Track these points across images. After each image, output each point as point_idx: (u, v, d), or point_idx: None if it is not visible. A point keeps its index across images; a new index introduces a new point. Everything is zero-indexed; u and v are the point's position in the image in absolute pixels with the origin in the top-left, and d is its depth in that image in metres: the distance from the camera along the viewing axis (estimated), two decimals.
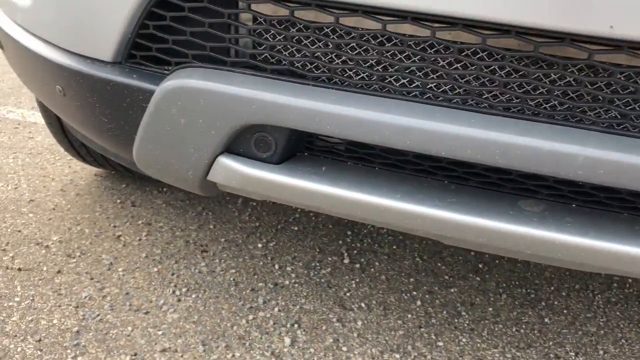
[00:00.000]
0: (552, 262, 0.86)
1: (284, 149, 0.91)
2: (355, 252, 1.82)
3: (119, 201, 1.98)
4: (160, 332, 1.42)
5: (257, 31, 0.89)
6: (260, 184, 0.91)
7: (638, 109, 0.77)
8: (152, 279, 1.61)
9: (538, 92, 0.81)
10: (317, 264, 1.75)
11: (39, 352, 1.32)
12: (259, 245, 1.82)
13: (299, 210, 2.04)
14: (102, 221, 1.86)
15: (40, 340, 1.36)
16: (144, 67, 0.95)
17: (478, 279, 1.75)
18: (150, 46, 0.94)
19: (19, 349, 1.33)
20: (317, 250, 1.82)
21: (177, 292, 1.56)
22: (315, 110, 0.80)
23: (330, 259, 1.78)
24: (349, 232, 1.93)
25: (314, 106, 0.80)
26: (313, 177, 0.89)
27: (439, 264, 1.81)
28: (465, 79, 0.82)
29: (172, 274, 1.63)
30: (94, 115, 1.02)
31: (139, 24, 0.90)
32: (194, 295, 1.56)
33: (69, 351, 1.33)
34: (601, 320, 1.61)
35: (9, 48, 1.19)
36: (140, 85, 0.93)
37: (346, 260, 1.77)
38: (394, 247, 1.88)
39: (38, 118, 2.64)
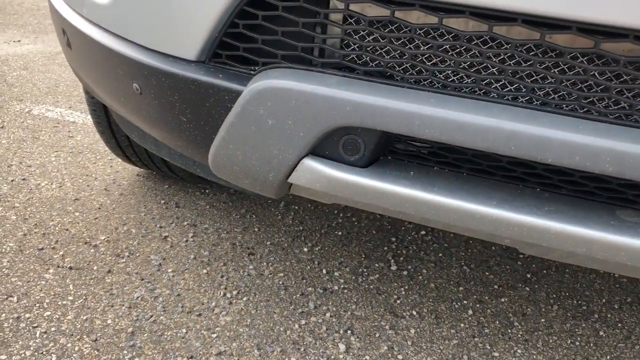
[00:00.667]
0: None
1: (372, 153, 0.89)
2: (401, 258, 1.80)
3: (162, 202, 1.98)
4: (214, 335, 1.40)
5: (352, 31, 0.87)
6: (347, 188, 0.89)
7: None
8: (202, 281, 1.59)
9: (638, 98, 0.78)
10: (365, 270, 1.73)
11: (96, 352, 1.31)
12: (305, 249, 1.80)
13: (341, 214, 2.03)
14: (148, 222, 1.85)
15: (96, 340, 1.35)
16: (230, 67, 0.94)
17: (527, 289, 1.73)
18: (238, 45, 0.93)
19: (76, 348, 1.32)
20: (363, 255, 1.80)
21: (228, 295, 1.55)
22: (416, 114, 0.78)
23: (377, 265, 1.76)
24: (393, 239, 1.91)
25: (414, 109, 0.78)
26: (403, 181, 0.87)
27: (487, 273, 1.78)
28: (573, 84, 0.80)
29: (222, 276, 1.62)
30: (172, 115, 1.01)
31: (229, 22, 0.89)
32: (245, 298, 1.54)
33: (125, 352, 1.32)
34: None
35: (79, 46, 1.18)
36: (227, 85, 0.91)
37: (393, 267, 1.75)
38: (440, 254, 1.85)
39: (76, 117, 2.65)
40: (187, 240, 1.77)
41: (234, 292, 1.56)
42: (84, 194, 1.98)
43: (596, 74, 0.79)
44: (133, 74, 1.02)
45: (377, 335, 1.47)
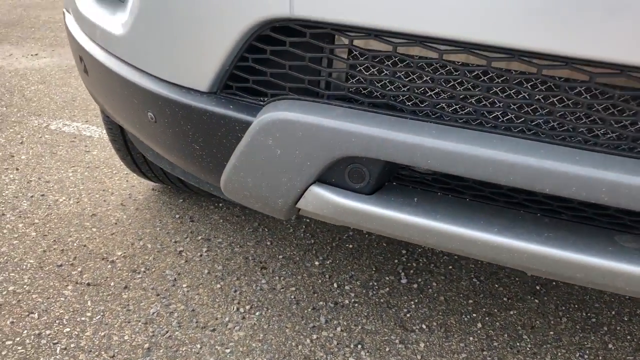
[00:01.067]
0: None
1: (377, 180, 0.92)
2: (411, 271, 1.83)
3: (177, 216, 2.02)
4: (228, 350, 1.44)
5: (357, 65, 0.90)
6: (353, 214, 0.93)
7: None
8: (215, 296, 1.63)
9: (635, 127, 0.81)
10: (375, 284, 1.75)
11: None
12: (316, 262, 1.83)
13: (351, 227, 2.06)
14: (163, 236, 1.90)
15: (113, 356, 1.39)
16: (240, 98, 0.98)
17: (536, 301, 1.74)
18: (248, 78, 0.96)
19: None
20: (374, 269, 1.83)
21: (241, 310, 1.59)
22: (418, 145, 0.81)
23: (387, 278, 1.78)
24: (404, 251, 1.94)
25: (417, 141, 0.81)
26: (407, 208, 0.90)
27: (496, 285, 1.80)
28: (571, 114, 0.83)
29: (235, 291, 1.66)
30: (185, 143, 1.05)
31: (239, 56, 0.93)
32: (257, 313, 1.58)
33: None
34: None
35: (96, 73, 1.23)
36: (237, 116, 0.95)
37: (403, 280, 1.78)
38: (450, 267, 1.88)
39: (92, 132, 2.71)
40: (201, 255, 1.81)
41: (247, 307, 1.60)
42: (101, 209, 2.03)
43: (593, 105, 0.81)
44: (147, 104, 1.07)
45: (387, 349, 1.50)
